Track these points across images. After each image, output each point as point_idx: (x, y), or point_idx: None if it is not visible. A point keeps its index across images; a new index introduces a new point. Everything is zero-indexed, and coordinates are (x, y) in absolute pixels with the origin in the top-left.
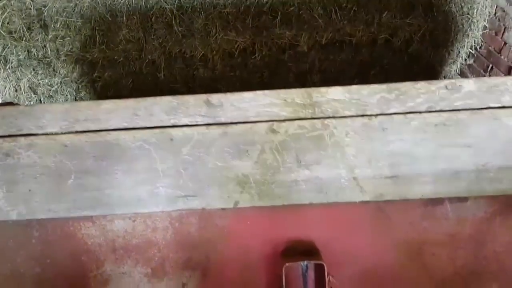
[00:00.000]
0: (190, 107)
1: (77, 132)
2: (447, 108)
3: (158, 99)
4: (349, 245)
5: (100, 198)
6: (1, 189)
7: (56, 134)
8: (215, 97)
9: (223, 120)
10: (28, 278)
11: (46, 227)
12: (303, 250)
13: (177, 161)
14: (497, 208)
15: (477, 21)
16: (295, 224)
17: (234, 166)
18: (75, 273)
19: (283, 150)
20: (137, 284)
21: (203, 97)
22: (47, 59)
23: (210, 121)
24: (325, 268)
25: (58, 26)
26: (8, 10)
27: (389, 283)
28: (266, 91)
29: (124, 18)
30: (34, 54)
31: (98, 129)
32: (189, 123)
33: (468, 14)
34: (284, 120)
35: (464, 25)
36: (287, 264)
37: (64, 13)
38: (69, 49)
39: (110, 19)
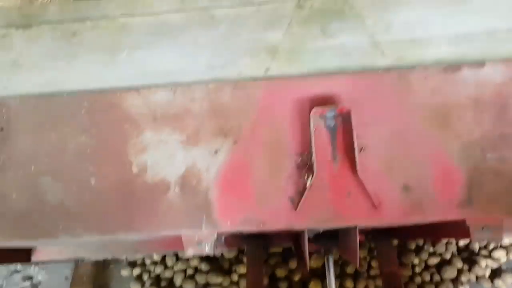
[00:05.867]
0: None
1: (135, 15)
2: None
3: None
4: (375, 110)
5: (147, 70)
6: (63, 61)
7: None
8: None
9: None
10: (72, 146)
11: (96, 98)
12: None
13: (214, 35)
14: None
15: None
16: (323, 92)
17: (265, 37)
18: (117, 139)
19: (309, 22)
20: (173, 151)
21: None
22: None
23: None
24: (351, 114)
25: None
26: None
27: (416, 144)
28: None
29: None
30: None
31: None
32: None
33: None
34: None
35: None
36: (314, 109)
37: None
38: None
39: None
